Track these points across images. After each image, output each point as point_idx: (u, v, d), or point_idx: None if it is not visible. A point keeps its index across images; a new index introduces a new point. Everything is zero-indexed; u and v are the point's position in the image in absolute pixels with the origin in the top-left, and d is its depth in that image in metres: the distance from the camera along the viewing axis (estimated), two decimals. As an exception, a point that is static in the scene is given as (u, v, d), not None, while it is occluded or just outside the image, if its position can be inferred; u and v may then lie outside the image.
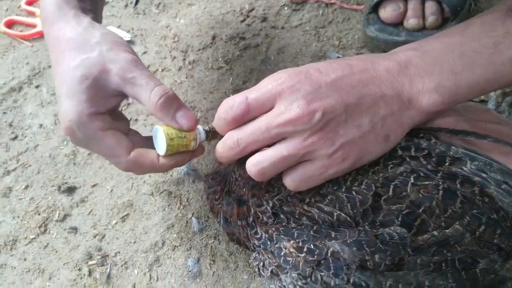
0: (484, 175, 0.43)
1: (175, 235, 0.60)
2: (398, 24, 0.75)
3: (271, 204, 0.48)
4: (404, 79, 0.42)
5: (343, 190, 0.44)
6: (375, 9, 0.76)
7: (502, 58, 0.41)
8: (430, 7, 0.73)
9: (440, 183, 0.43)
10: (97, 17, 0.55)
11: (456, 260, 0.42)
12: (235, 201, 0.52)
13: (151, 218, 0.62)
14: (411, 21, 0.73)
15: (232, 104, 0.42)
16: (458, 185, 0.42)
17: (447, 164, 0.43)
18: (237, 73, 0.77)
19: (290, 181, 0.44)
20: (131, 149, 0.46)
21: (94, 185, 0.66)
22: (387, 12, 0.74)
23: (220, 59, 0.79)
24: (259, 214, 0.49)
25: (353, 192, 0.44)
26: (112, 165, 0.68)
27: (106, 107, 0.46)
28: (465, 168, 0.43)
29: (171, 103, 0.45)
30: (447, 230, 0.42)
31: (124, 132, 0.48)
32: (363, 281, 0.43)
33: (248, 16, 0.84)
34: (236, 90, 0.74)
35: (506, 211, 0.42)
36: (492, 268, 0.42)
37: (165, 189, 0.64)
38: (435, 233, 0.42)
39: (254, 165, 0.42)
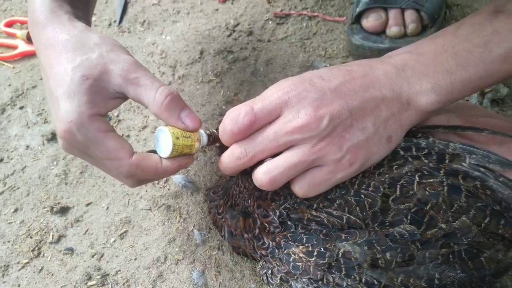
0: (482, 169, 0.44)
1: (177, 249, 0.58)
2: (380, 32, 0.77)
3: (278, 214, 0.48)
4: (402, 82, 0.44)
5: (352, 193, 0.45)
6: (357, 19, 0.79)
7: (492, 55, 0.43)
8: (410, 15, 0.76)
9: (444, 179, 0.44)
10: (88, 26, 0.54)
11: (462, 251, 0.43)
12: (240, 214, 0.51)
13: (151, 234, 0.60)
14: (393, 29, 0.76)
15: (237, 115, 0.42)
16: (461, 180, 0.44)
17: (447, 161, 0.45)
18: (227, 85, 0.77)
19: (299, 188, 0.44)
20: (132, 152, 0.45)
21: (88, 204, 0.64)
22: (369, 22, 0.77)
23: (210, 72, 0.80)
24: (266, 224, 0.49)
25: (362, 195, 0.44)
26: (106, 183, 0.66)
27: (106, 109, 0.45)
28: (464, 164, 0.44)
29: (177, 104, 0.44)
30: (454, 223, 0.43)
31: None
32: (375, 279, 0.43)
33: (234, 31, 0.85)
34: (228, 102, 0.75)
35: (507, 202, 0.43)
36: (496, 257, 0.43)
37: (163, 203, 0.63)
38: (443, 226, 0.43)
39: (264, 173, 0.42)
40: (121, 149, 0.44)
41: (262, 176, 0.42)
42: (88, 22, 0.54)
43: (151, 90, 0.43)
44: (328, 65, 0.79)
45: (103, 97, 0.44)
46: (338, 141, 0.41)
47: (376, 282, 0.43)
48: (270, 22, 0.87)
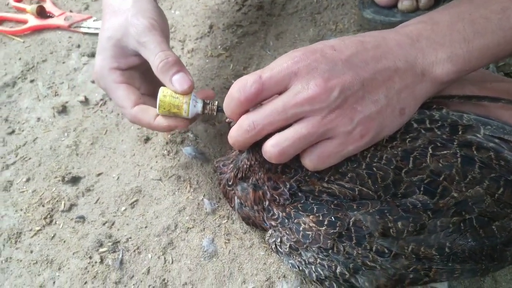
0: (497, 140, 0.43)
1: (187, 218, 0.59)
2: (392, 6, 0.76)
3: (288, 186, 0.48)
4: (417, 52, 0.43)
5: (363, 167, 0.44)
6: (369, -7, 0.78)
7: (511, 21, 0.42)
8: (423, -12, 0.75)
9: (458, 151, 0.43)
10: None
11: (473, 219, 0.42)
12: (250, 186, 0.51)
13: (162, 203, 0.61)
14: (405, 3, 0.75)
15: (245, 84, 0.41)
16: (475, 151, 0.43)
17: (460, 132, 0.44)
18: (237, 59, 0.77)
19: (309, 161, 0.43)
20: (136, 103, 0.53)
21: (99, 174, 0.65)
22: (381, -5, 0.76)
23: (219, 46, 0.79)
24: (276, 196, 0.49)
25: (374, 168, 0.44)
26: (116, 154, 0.67)
27: (127, 65, 0.54)
28: (478, 135, 0.44)
29: (170, 68, 0.50)
30: (466, 192, 0.42)
31: (141, 90, 0.56)
32: (386, 247, 0.43)
33: (243, 5, 0.85)
34: (237, 76, 0.74)
35: None
36: (509, 226, 0.43)
37: (173, 174, 0.63)
38: (455, 194, 0.42)
39: (273, 146, 0.41)
40: (126, 99, 0.53)
41: (271, 148, 0.42)
42: None
43: (152, 54, 0.50)
44: (338, 39, 0.78)
45: (124, 54, 0.54)
46: (349, 113, 0.40)
47: (386, 251, 0.43)
48: (280, -3, 0.86)
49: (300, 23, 0.81)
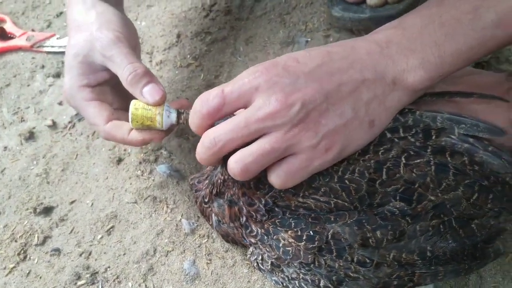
0: (471, 140, 0.43)
1: (166, 240, 0.57)
2: (360, 2, 0.75)
3: (263, 202, 0.46)
4: (386, 60, 0.41)
5: (336, 180, 0.43)
6: (337, -11, 0.76)
7: (483, 21, 0.40)
8: (390, -19, 0.73)
9: (431, 158, 0.42)
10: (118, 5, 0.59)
11: (452, 220, 0.42)
12: (226, 203, 0.50)
13: (139, 227, 0.59)
14: (373, -3, 0.73)
15: (207, 97, 0.40)
16: (449, 158, 0.42)
17: (433, 137, 0.43)
18: (207, 68, 0.75)
19: (276, 178, 0.41)
20: (109, 120, 0.52)
21: (72, 202, 0.62)
22: (349, -8, 0.74)
23: (188, 56, 0.77)
24: (252, 213, 0.47)
25: (346, 181, 0.43)
26: (89, 178, 0.65)
27: (96, 81, 0.53)
28: (453, 136, 0.43)
29: (139, 80, 0.48)
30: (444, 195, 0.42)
31: (114, 105, 0.54)
32: (367, 257, 0.42)
33: (211, 11, 0.82)
34: (209, 86, 0.72)
35: (496, 175, 0.42)
36: (488, 223, 0.43)
37: (149, 195, 0.61)
38: (432, 198, 0.42)
39: (236, 161, 0.40)
40: (98, 117, 0.51)
41: (234, 164, 0.40)
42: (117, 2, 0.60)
43: (120, 68, 0.49)
44: (309, 39, 0.76)
45: (92, 70, 0.52)
46: (312, 127, 0.39)
47: (368, 261, 0.42)
48: (247, -1, 0.84)
49: (270, 26, 0.79)
